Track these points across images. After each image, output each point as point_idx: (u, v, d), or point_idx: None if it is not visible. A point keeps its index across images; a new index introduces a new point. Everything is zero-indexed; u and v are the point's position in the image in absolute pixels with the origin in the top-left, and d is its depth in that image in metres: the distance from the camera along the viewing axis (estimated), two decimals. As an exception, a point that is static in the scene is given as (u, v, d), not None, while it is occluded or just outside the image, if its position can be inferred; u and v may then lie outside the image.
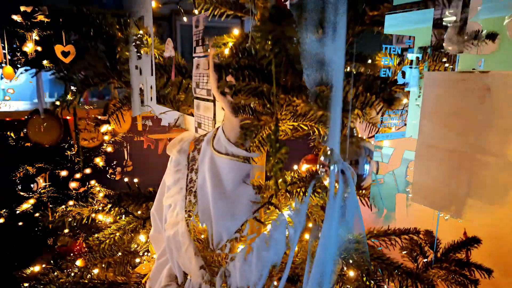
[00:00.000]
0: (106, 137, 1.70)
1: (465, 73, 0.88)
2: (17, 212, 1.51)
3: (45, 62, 1.00)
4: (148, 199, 0.93)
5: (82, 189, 1.55)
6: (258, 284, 0.67)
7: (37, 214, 0.92)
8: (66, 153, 1.67)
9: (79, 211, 0.90)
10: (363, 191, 0.64)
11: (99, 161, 1.73)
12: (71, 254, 1.00)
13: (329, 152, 0.54)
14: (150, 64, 0.75)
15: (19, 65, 1.07)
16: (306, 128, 0.76)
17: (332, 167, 0.52)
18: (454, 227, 1.32)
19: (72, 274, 0.91)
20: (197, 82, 0.75)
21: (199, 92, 0.76)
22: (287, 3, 0.65)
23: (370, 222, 1.16)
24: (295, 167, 1.02)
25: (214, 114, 0.76)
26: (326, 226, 0.49)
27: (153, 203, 0.90)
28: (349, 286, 0.94)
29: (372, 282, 0.79)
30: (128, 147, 1.84)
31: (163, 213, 0.86)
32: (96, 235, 0.96)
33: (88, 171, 1.70)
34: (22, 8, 0.97)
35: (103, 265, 0.95)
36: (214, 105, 0.75)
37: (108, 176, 1.84)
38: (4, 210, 1.68)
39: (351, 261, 0.84)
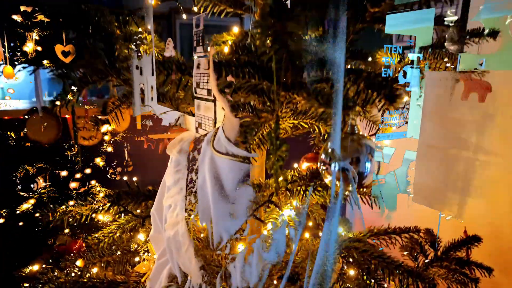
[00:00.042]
0: (106, 137, 1.70)
1: (466, 73, 0.88)
2: (17, 212, 1.50)
3: (45, 62, 1.00)
4: (147, 197, 0.92)
5: (82, 189, 1.54)
6: (259, 285, 0.67)
7: (37, 214, 0.91)
8: (66, 153, 1.67)
9: (78, 210, 0.90)
10: (364, 190, 0.63)
11: (99, 161, 1.73)
12: (71, 254, 1.00)
13: (330, 150, 0.54)
14: (150, 63, 0.75)
15: (16, 63, 1.06)
16: (306, 126, 0.75)
17: (333, 165, 0.51)
18: (454, 226, 1.32)
19: (72, 273, 0.91)
20: (197, 82, 0.74)
21: (200, 92, 0.75)
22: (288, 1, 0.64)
23: (371, 220, 1.16)
24: (295, 165, 1.01)
25: (215, 114, 0.76)
26: (327, 225, 0.48)
27: (152, 202, 0.90)
28: (349, 285, 0.93)
29: (373, 280, 0.79)
30: (129, 147, 1.84)
31: (163, 213, 0.86)
32: (95, 234, 0.95)
33: (88, 171, 1.70)
34: (22, 8, 0.97)
35: (102, 264, 0.95)
36: (215, 105, 0.75)
37: (108, 176, 1.84)
38: (5, 210, 1.67)
39: (351, 260, 0.84)
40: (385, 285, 0.84)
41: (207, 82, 0.73)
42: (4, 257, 1.73)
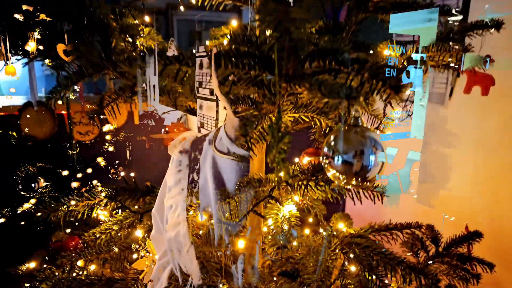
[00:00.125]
0: (108, 137, 1.69)
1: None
2: (18, 212, 1.49)
3: (47, 61, 0.99)
4: (145, 193, 0.91)
5: (84, 189, 1.53)
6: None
7: (38, 214, 0.90)
8: (68, 152, 1.66)
9: (74, 207, 0.88)
10: (368, 183, 0.62)
11: (100, 160, 1.72)
12: (67, 250, 0.98)
13: (332, 143, 0.52)
14: (153, 63, 0.74)
15: (16, 59, 1.05)
16: (307, 120, 0.73)
17: (336, 158, 0.50)
18: (456, 222, 1.31)
19: (67, 269, 0.89)
20: (200, 82, 0.73)
21: (202, 92, 0.74)
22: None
23: (372, 216, 1.15)
24: (296, 160, 1.00)
25: (217, 114, 0.75)
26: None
27: (150, 198, 0.89)
28: (350, 281, 0.92)
29: (374, 277, 0.78)
30: (131, 147, 1.84)
31: (164, 214, 0.85)
32: (92, 231, 0.94)
33: (89, 170, 1.69)
34: (24, 7, 0.96)
35: (100, 261, 0.94)
36: (217, 105, 0.74)
37: (110, 176, 1.83)
38: (6, 209, 1.66)
39: (352, 256, 0.82)
40: (387, 281, 0.82)
41: (209, 82, 0.72)
42: (4, 257, 1.72)
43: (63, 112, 1.59)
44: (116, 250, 0.93)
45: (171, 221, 0.80)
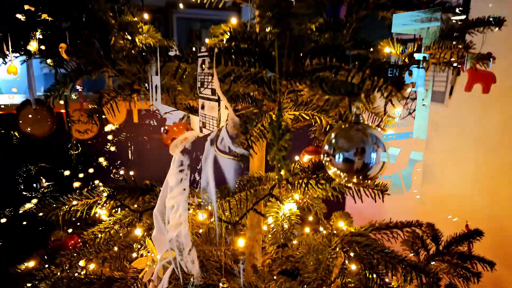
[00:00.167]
0: (110, 137, 1.69)
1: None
2: (20, 211, 1.49)
3: (48, 61, 0.99)
4: (145, 192, 0.90)
5: (86, 190, 1.53)
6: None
7: (40, 214, 0.90)
8: (70, 152, 1.66)
9: (72, 205, 0.88)
10: (369, 181, 0.62)
11: (102, 160, 1.72)
12: (66, 249, 0.98)
13: (333, 141, 0.52)
14: (154, 63, 0.73)
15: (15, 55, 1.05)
16: (307, 118, 0.73)
17: (337, 156, 0.49)
18: (457, 221, 1.31)
19: (68, 270, 0.89)
20: (201, 82, 0.73)
21: (204, 92, 0.74)
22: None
23: (372, 215, 1.15)
24: (296, 158, 1.00)
25: (219, 114, 0.75)
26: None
27: (149, 196, 0.88)
28: (350, 280, 0.92)
29: (375, 275, 0.77)
30: (133, 147, 1.84)
31: (165, 214, 0.85)
32: (91, 229, 0.94)
33: (91, 170, 1.69)
34: (26, 7, 0.95)
35: (99, 260, 0.93)
36: (219, 104, 0.74)
37: (112, 176, 1.84)
38: (8, 209, 1.66)
39: (353, 254, 0.82)
40: (387, 280, 0.82)
41: (211, 82, 0.72)
42: (4, 257, 1.72)
43: (62, 110, 1.59)
44: (116, 249, 0.92)
45: (172, 222, 0.80)
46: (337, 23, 0.69)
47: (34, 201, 1.57)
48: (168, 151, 0.88)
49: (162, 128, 1.39)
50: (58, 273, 0.94)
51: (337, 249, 0.83)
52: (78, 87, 1.49)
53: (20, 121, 1.17)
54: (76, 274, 0.93)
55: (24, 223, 1.67)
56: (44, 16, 0.92)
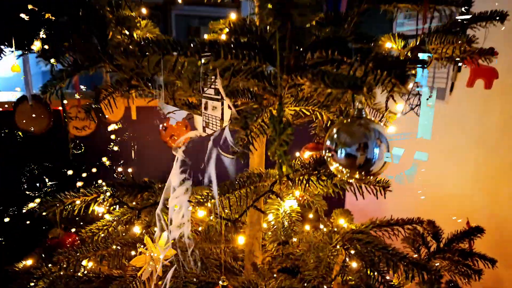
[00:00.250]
0: (112, 136, 1.68)
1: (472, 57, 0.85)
2: (23, 211, 1.49)
3: (52, 60, 0.98)
4: (143, 189, 0.89)
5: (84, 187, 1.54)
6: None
7: (44, 213, 0.89)
8: (73, 152, 1.66)
9: (70, 201, 0.87)
10: (371, 178, 0.61)
11: (105, 160, 1.72)
12: (63, 247, 0.97)
13: (336, 136, 0.51)
14: None
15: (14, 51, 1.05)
16: (308, 113, 0.72)
17: (339, 152, 0.48)
18: (457, 217, 1.30)
19: (64, 266, 0.88)
20: (204, 81, 0.72)
21: (207, 91, 0.74)
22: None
23: (372, 212, 1.14)
24: (297, 154, 0.99)
25: (222, 114, 0.74)
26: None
27: (147, 194, 0.87)
28: (351, 277, 0.91)
29: (376, 273, 0.77)
30: (136, 147, 1.84)
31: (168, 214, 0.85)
32: (89, 227, 0.93)
33: (94, 170, 1.68)
34: (30, 7, 0.95)
35: (97, 258, 0.92)
36: (222, 104, 0.73)
37: (115, 175, 1.83)
38: (11, 208, 1.66)
39: (353, 252, 0.81)
40: (388, 278, 0.81)
41: (214, 81, 0.71)
42: (4, 257, 1.71)
43: (60, 108, 1.58)
44: (114, 247, 0.91)
45: (175, 222, 0.80)
46: (338, 17, 0.68)
47: (37, 200, 1.57)
48: (169, 149, 0.87)
49: (160, 125, 1.38)
50: (56, 272, 0.93)
51: (338, 246, 0.82)
52: (83, 88, 1.49)
53: (16, 117, 1.16)
54: (74, 273, 0.92)
55: (28, 222, 1.67)
56: (48, 15, 0.91)
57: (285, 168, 0.42)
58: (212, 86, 0.70)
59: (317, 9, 0.62)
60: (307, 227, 1.06)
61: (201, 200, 0.73)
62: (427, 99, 0.69)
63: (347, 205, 2.10)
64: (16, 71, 1.14)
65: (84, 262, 0.91)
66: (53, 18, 0.87)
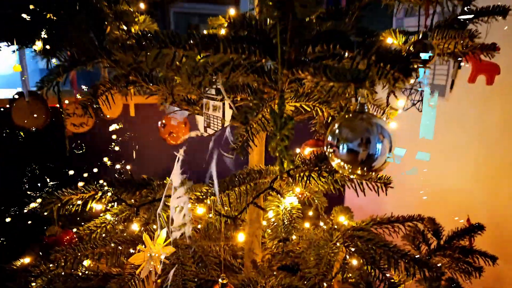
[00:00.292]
0: (114, 136, 1.68)
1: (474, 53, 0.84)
2: (25, 211, 1.49)
3: (54, 60, 0.98)
4: (142, 186, 0.88)
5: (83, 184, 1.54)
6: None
7: (45, 214, 0.89)
8: (74, 151, 1.65)
9: (67, 198, 0.86)
10: (373, 174, 0.60)
11: (106, 160, 1.72)
12: (61, 245, 0.96)
13: (337, 131, 0.50)
14: None
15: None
16: (309, 109, 0.71)
17: (341, 147, 0.47)
18: (457, 214, 1.30)
19: (62, 264, 0.87)
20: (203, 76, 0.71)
21: (208, 91, 0.73)
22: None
23: (372, 210, 1.13)
24: (297, 150, 0.98)
25: (223, 114, 0.73)
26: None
27: (146, 191, 0.87)
28: (351, 275, 0.91)
29: (377, 270, 0.76)
30: (137, 147, 1.84)
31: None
32: (86, 225, 0.92)
33: (95, 170, 1.68)
34: (31, 7, 0.94)
35: (95, 256, 0.91)
36: (223, 104, 0.72)
37: (116, 175, 1.83)
38: (13, 208, 1.65)
39: (354, 249, 0.81)
40: (389, 275, 0.81)
41: (216, 81, 0.70)
42: (4, 256, 1.71)
43: (57, 105, 1.56)
44: (112, 244, 0.90)
45: (176, 222, 0.79)
46: (339, 11, 0.67)
47: (39, 200, 1.57)
48: (169, 148, 0.86)
49: (159, 122, 1.37)
50: (54, 270, 0.93)
51: (338, 244, 0.82)
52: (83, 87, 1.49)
53: (13, 114, 1.15)
54: (72, 271, 0.91)
55: (29, 222, 1.67)
56: (49, 15, 0.90)
57: (286, 163, 0.41)
58: (213, 86, 0.69)
59: (319, 1, 0.61)
60: (307, 225, 1.05)
61: (201, 197, 0.72)
62: (429, 99, 0.68)
63: (346, 202, 2.09)
64: (18, 70, 1.13)
65: (78, 259, 0.91)
66: (55, 18, 0.87)
